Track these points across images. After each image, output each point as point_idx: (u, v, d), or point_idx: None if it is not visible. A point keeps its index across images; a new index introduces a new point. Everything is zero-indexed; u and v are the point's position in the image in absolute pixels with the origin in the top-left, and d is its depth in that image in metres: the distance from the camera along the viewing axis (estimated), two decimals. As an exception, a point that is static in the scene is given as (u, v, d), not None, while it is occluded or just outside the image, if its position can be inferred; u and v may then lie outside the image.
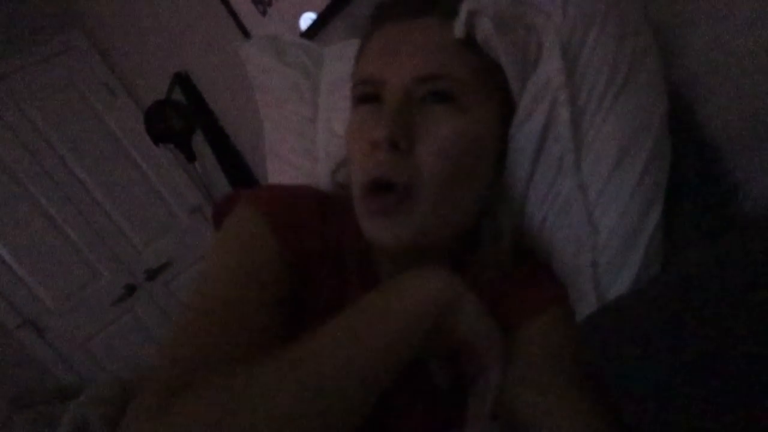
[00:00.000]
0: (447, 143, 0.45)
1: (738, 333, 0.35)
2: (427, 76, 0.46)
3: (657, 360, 0.38)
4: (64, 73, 2.16)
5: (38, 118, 2.09)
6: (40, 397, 0.85)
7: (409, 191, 0.45)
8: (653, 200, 0.51)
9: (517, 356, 0.45)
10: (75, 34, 2.20)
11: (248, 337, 0.41)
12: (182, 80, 1.78)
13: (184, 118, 1.86)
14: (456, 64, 0.47)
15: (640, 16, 0.51)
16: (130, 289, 2.28)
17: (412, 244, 0.47)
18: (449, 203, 0.48)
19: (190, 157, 2.00)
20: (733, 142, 0.51)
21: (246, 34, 1.33)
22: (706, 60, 0.51)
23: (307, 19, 1.14)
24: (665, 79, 0.52)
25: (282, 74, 0.82)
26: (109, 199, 2.22)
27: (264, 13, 1.25)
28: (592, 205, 0.51)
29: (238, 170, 1.82)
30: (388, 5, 0.53)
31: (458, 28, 0.47)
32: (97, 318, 2.22)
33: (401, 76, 0.46)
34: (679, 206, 0.52)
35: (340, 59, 0.79)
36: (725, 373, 0.35)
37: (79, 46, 2.20)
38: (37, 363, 2.08)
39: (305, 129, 0.81)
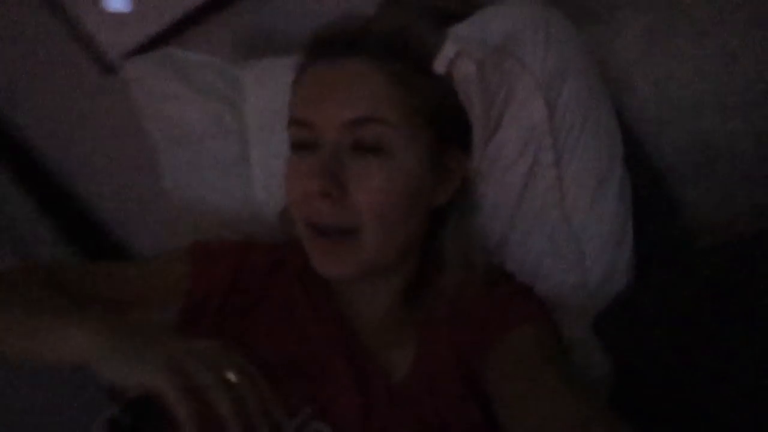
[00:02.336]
0: (379, 193, 0.48)
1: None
2: (355, 120, 0.47)
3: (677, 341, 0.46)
4: None
5: None
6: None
7: (352, 233, 0.48)
8: (627, 221, 0.58)
9: (499, 364, 0.48)
10: None
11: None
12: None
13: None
14: (385, 107, 0.48)
15: (596, 65, 0.59)
16: None
17: (360, 276, 0.51)
18: (392, 238, 0.50)
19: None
20: (683, 168, 0.62)
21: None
22: (655, 95, 0.61)
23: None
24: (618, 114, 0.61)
25: (196, 104, 0.69)
26: None
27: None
28: (577, 233, 0.57)
29: (65, 207, 1.35)
30: (319, 42, 0.53)
31: (440, 64, 0.49)
32: None
33: (330, 121, 0.48)
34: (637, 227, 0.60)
35: (263, 86, 0.71)
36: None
37: None
38: None
39: (235, 169, 0.70)
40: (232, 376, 0.37)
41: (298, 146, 0.51)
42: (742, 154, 0.57)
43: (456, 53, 0.48)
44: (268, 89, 0.70)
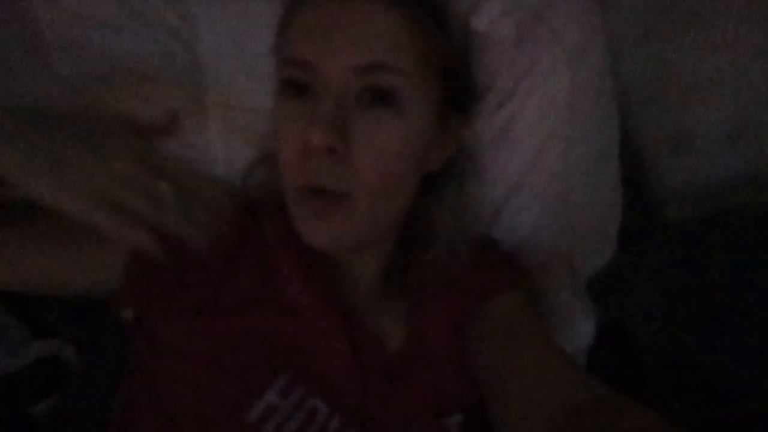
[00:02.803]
0: (386, 152, 0.44)
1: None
2: (367, 66, 0.42)
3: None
4: None
5: None
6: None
7: (348, 198, 0.44)
8: (618, 197, 0.61)
9: (484, 331, 0.49)
10: None
11: None
12: None
13: None
14: (401, 53, 0.44)
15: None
16: None
17: (350, 247, 0.48)
18: (387, 205, 0.48)
19: None
20: (662, 147, 0.65)
21: None
22: (643, 77, 0.63)
23: None
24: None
25: (140, 36, 0.55)
26: None
27: None
28: (573, 207, 0.58)
29: None
30: None
31: (481, 21, 0.48)
32: None
33: (338, 65, 0.42)
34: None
35: (222, 23, 0.59)
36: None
37: None
38: None
39: (187, 117, 0.58)
40: (164, 188, 0.37)
41: (294, 91, 0.44)
42: (717, 137, 0.63)
43: (500, 12, 0.46)
44: (228, 28, 0.58)
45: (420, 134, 0.46)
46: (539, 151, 0.55)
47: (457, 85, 0.50)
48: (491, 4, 0.46)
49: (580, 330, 0.57)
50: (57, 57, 0.56)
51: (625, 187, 0.63)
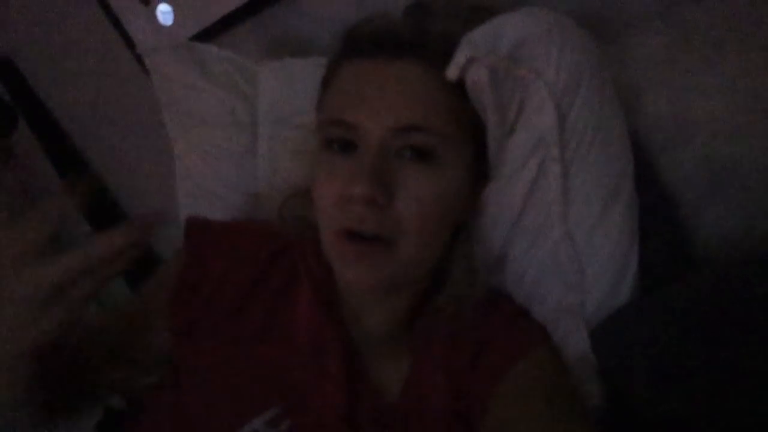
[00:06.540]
0: (426, 203, 0.45)
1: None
2: (406, 127, 0.45)
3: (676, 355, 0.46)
4: None
5: None
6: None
7: (391, 243, 0.45)
8: (633, 242, 0.56)
9: (510, 398, 0.47)
10: None
11: None
12: (2, 68, 1.36)
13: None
14: (437, 115, 0.46)
15: (611, 79, 0.56)
16: None
17: (387, 288, 0.49)
18: (425, 252, 0.49)
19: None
20: (694, 190, 0.60)
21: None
22: (669, 115, 0.60)
23: (165, 14, 0.90)
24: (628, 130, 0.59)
25: (211, 94, 0.70)
26: None
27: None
28: (579, 251, 0.55)
29: (78, 174, 1.46)
30: (365, 36, 0.50)
31: (452, 71, 0.47)
32: None
33: (379, 125, 0.44)
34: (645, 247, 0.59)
35: (279, 83, 0.72)
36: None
37: None
38: None
39: (243, 161, 0.71)
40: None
41: (337, 147, 0.47)
42: (756, 177, 0.56)
43: (468, 59, 0.46)
44: (282, 87, 0.70)
45: (456, 187, 0.48)
46: (530, 189, 0.54)
47: (485, 141, 0.51)
48: (459, 54, 0.46)
49: (589, 392, 0.53)
50: (165, 114, 0.74)
51: (657, 228, 0.59)
